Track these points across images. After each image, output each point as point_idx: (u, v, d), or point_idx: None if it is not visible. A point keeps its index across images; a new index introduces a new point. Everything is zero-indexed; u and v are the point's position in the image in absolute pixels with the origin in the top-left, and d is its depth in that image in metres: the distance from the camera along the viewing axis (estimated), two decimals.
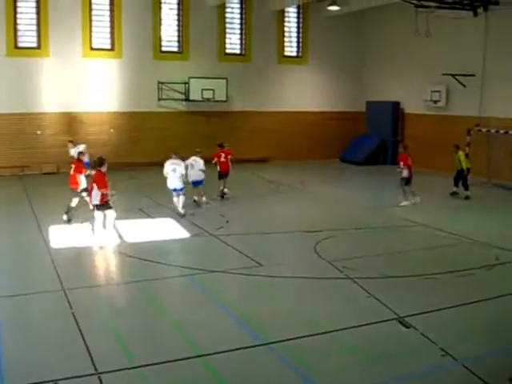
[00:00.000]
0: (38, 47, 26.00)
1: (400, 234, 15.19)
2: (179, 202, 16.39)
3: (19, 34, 25.86)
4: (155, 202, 18.57)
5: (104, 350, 7.85)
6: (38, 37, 25.98)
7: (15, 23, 25.64)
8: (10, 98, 25.23)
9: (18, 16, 25.75)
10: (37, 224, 15.34)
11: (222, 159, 19.49)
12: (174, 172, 16.28)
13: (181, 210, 16.29)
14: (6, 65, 25.21)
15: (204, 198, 18.10)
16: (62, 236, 14.05)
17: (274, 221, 16.36)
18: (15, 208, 17.86)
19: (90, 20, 26.70)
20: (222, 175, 19.58)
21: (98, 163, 13.50)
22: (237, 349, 7.91)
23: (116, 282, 11.22)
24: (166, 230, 14.90)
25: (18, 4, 25.57)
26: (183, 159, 17.11)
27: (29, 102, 25.65)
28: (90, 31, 26.73)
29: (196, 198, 18.08)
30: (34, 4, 25.79)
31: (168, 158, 16.82)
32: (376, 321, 8.88)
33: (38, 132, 25.81)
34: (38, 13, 25.87)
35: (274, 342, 8.08)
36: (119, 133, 27.37)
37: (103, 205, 13.25)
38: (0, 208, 17.77)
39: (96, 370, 7.25)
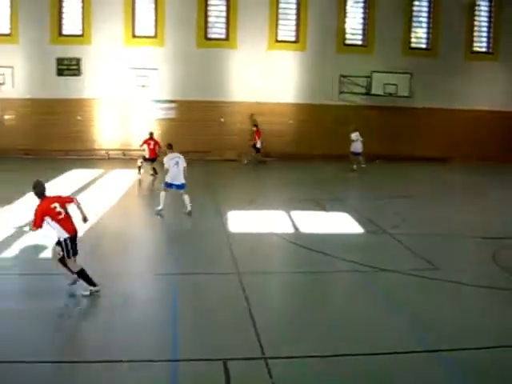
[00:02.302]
0: (227, 39, 26.99)
1: None
2: (185, 199, 15.12)
3: (209, 25, 27.04)
4: (332, 195, 18.54)
5: (273, 336, 7.90)
6: (227, 29, 26.98)
7: (206, 15, 26.80)
8: (199, 86, 26.59)
9: (208, 8, 26.89)
10: (217, 208, 15.95)
11: (151, 147, 20.96)
12: (177, 166, 14.96)
13: (189, 208, 15.09)
14: (197, 55, 26.49)
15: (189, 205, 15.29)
16: (240, 221, 14.48)
17: (450, 223, 15.56)
18: (199, 193, 18.71)
19: (277, 13, 27.20)
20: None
21: None
22: (404, 352, 7.58)
23: (287, 271, 11.29)
24: (340, 223, 14.76)
25: None
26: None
27: (215, 91, 26.82)
28: (277, 24, 27.23)
29: (188, 206, 15.21)
30: None
31: (165, 152, 15.89)
32: None
33: (222, 119, 26.82)
34: (227, 5, 26.85)
35: (446, 350, 7.63)
36: (298, 124, 27.66)
37: None
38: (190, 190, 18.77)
39: (263, 354, 7.31)
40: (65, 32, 26.66)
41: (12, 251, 11.49)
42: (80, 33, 26.55)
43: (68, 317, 8.47)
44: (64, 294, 9.23)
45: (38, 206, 8.92)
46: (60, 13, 26.51)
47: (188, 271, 10.58)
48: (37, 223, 8.83)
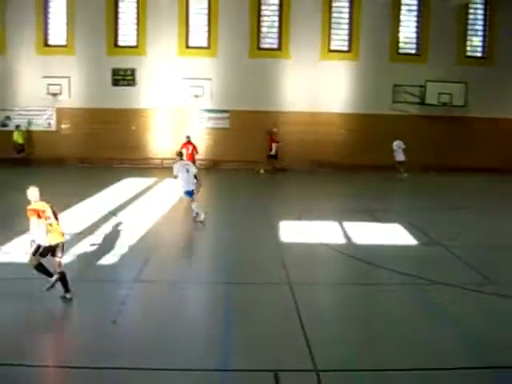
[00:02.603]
0: (279, 49, 27.10)
1: None
2: (195, 208, 15.14)
3: (262, 35, 27.24)
4: (384, 205, 18.34)
5: (325, 348, 7.82)
6: (279, 39, 27.08)
7: (258, 26, 27.01)
8: (251, 96, 26.75)
9: (261, 19, 27.07)
10: (268, 217, 15.98)
11: (189, 152, 21.08)
12: (188, 173, 15.00)
13: (203, 216, 15.12)
14: (250, 66, 26.71)
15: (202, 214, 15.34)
16: (291, 231, 14.44)
17: (508, 235, 15.12)
18: (252, 202, 18.84)
19: (330, 23, 27.17)
20: None
21: None
22: (457, 368, 7.38)
23: (339, 282, 11.18)
24: (393, 235, 14.56)
25: (262, 7, 26.87)
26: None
27: (267, 101, 26.94)
28: (329, 33, 27.22)
29: (197, 211, 15.27)
30: (276, 7, 26.96)
31: (174, 160, 16.06)
32: None
33: (274, 130, 26.88)
34: (279, 15, 26.96)
35: (502, 368, 7.39)
36: (350, 134, 27.50)
37: None
38: (238, 201, 19.02)
39: (315, 366, 7.25)
40: (120, 43, 27.20)
41: (69, 257, 11.72)
42: (135, 44, 27.05)
43: (119, 324, 8.56)
44: (116, 301, 9.36)
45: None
46: (116, 24, 27.08)
47: (239, 281, 10.60)
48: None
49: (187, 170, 15.05)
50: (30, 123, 27.36)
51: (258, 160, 26.46)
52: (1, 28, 26.98)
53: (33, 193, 9.25)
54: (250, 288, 10.28)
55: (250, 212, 17.05)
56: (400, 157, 24.62)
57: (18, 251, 11.43)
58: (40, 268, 9.25)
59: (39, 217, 9.04)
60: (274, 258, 12.15)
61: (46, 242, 9.14)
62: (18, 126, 26.94)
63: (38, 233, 9.10)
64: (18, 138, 26.83)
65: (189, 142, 21.77)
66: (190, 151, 21.49)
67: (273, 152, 26.14)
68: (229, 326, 8.52)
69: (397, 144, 24.69)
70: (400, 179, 24.39)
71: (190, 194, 15.18)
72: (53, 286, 9.21)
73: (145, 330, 8.43)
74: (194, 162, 20.32)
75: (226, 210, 17.60)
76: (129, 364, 7.27)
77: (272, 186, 23.19)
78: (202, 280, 10.86)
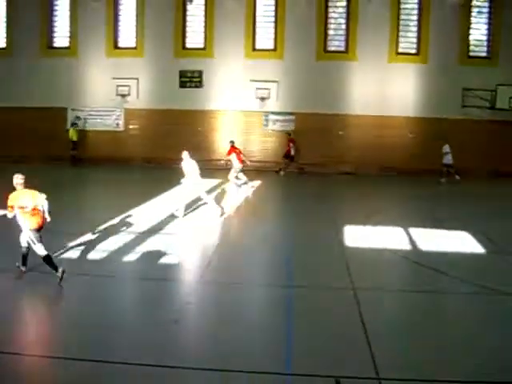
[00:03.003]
0: (346, 51, 26.95)
1: None
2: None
3: (329, 38, 27.19)
4: (450, 212, 17.95)
5: (388, 356, 7.68)
6: (346, 41, 26.92)
7: (325, 28, 26.92)
8: (318, 98, 26.63)
9: (328, 21, 27.04)
10: (333, 221, 15.87)
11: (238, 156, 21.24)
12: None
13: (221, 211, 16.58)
14: (316, 68, 26.67)
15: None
16: (356, 235, 14.30)
17: None
18: (317, 204, 18.77)
19: (398, 25, 26.81)
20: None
21: None
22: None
23: (403, 289, 10.96)
24: (460, 242, 14.17)
25: (329, 10, 26.86)
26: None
27: (334, 104, 26.81)
28: (397, 36, 26.86)
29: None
30: (343, 10, 26.82)
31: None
32: None
33: (340, 132, 26.71)
34: (347, 18, 26.78)
35: None
36: (417, 137, 27.03)
37: None
38: (305, 203, 19.03)
39: (377, 374, 7.12)
40: (188, 45, 27.54)
41: (134, 255, 11.93)
42: (202, 46, 27.34)
43: (181, 324, 8.63)
44: (179, 301, 9.46)
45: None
46: (184, 27, 27.43)
47: (303, 284, 10.54)
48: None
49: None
50: (85, 123, 28.18)
51: (324, 162, 26.33)
52: (73, 31, 27.77)
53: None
54: (313, 292, 10.21)
55: (314, 216, 16.96)
56: (448, 159, 24.54)
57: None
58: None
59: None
60: (338, 262, 12.03)
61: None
62: (73, 124, 27.87)
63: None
64: (72, 135, 27.73)
65: (234, 147, 21.84)
66: (237, 155, 21.58)
67: (292, 153, 26.29)
68: (291, 329, 8.48)
69: (445, 148, 24.51)
70: (443, 183, 24.32)
71: None
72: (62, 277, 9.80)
73: (206, 331, 8.48)
74: (244, 165, 20.97)
75: (290, 213, 17.57)
76: (192, 364, 7.33)
77: (336, 190, 22.98)
78: (265, 282, 10.87)
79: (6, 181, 10.57)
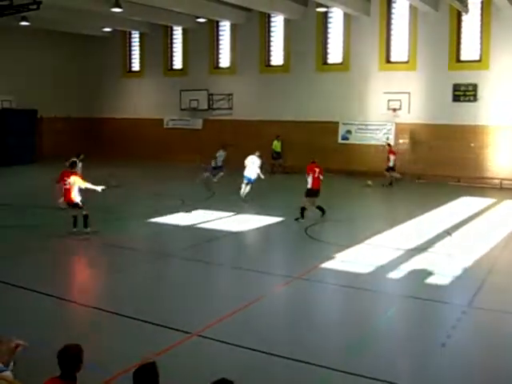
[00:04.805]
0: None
1: None
2: (246, 189, 19.95)
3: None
4: None
5: None
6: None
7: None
8: None
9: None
10: None
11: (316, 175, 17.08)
12: (253, 164, 20.13)
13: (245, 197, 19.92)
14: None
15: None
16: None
17: None
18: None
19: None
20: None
21: None
22: None
23: None
24: None
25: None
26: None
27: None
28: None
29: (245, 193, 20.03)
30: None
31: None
32: None
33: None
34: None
35: None
36: None
37: None
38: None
39: None
40: (462, 58, 26.67)
41: (399, 273, 11.81)
42: (478, 58, 26.20)
43: (447, 347, 8.25)
44: (447, 324, 9.10)
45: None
46: (458, 38, 26.63)
47: None
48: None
49: (253, 162, 20.22)
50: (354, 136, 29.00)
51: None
52: (346, 46, 28.74)
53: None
54: None
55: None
56: None
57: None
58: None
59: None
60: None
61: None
62: (278, 136, 29.68)
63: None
64: (276, 146, 29.72)
65: (315, 165, 17.50)
66: (316, 175, 17.21)
67: (391, 164, 25.28)
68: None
69: None
70: None
71: (249, 180, 20.05)
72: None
73: (474, 358, 8.03)
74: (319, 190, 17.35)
75: None
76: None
77: None
78: None
79: None
